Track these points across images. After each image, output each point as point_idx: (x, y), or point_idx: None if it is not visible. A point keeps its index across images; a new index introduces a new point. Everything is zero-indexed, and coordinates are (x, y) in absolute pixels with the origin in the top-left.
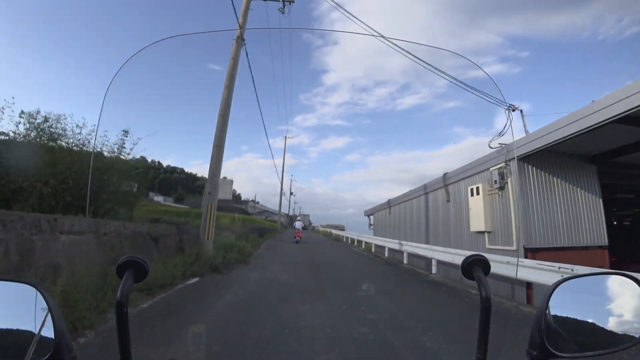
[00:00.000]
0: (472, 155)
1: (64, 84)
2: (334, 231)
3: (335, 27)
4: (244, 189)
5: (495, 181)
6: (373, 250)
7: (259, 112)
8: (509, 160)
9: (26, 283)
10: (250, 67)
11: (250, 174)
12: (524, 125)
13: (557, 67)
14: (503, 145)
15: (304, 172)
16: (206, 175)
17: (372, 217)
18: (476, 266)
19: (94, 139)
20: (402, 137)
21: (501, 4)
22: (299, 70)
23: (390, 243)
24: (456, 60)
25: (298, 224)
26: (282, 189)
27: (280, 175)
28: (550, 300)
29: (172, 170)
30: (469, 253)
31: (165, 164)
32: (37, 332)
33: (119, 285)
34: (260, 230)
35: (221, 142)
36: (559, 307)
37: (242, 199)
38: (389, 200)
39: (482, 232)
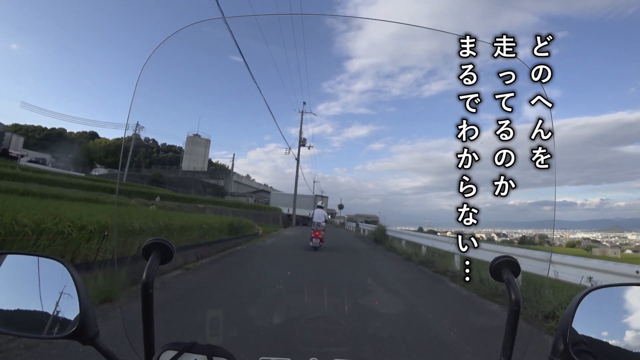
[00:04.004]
0: None
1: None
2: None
3: (359, 10)
4: (268, 180)
5: None
6: None
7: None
8: None
9: (53, 258)
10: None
11: (273, 164)
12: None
13: (597, 47)
14: None
15: (327, 161)
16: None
17: None
18: (505, 268)
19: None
20: (429, 124)
21: None
22: (321, 56)
23: None
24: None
25: (318, 215)
26: None
27: None
28: (578, 309)
29: (168, 149)
30: None
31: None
32: (62, 308)
33: (145, 267)
34: None
35: None
36: (585, 316)
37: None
38: None
39: None
